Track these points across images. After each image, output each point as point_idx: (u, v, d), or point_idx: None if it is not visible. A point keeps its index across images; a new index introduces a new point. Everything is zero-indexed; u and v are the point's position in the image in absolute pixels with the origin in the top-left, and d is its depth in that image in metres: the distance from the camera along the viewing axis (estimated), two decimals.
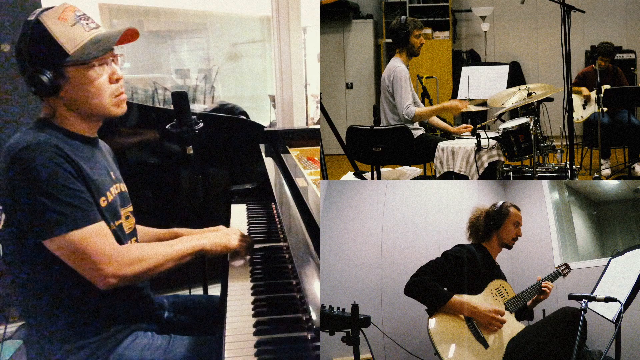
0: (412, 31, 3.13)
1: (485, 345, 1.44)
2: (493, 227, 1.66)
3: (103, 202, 1.43)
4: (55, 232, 1.29)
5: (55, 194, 1.29)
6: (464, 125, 3.31)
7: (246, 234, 1.91)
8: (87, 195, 1.36)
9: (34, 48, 1.35)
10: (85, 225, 1.32)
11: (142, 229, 1.79)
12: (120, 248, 1.39)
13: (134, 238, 1.61)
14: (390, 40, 5.38)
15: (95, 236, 1.33)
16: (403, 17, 3.16)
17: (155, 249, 1.46)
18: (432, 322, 1.46)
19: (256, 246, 1.84)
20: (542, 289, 1.58)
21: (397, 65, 3.12)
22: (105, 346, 1.45)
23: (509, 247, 1.69)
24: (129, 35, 1.47)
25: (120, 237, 1.49)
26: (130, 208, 1.62)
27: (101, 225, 1.36)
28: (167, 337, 1.53)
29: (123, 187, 1.61)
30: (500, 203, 1.69)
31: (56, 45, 1.35)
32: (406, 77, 3.09)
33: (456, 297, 1.47)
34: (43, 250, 1.33)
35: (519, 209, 1.69)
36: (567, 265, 1.68)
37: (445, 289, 1.49)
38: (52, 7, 1.39)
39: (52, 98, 1.41)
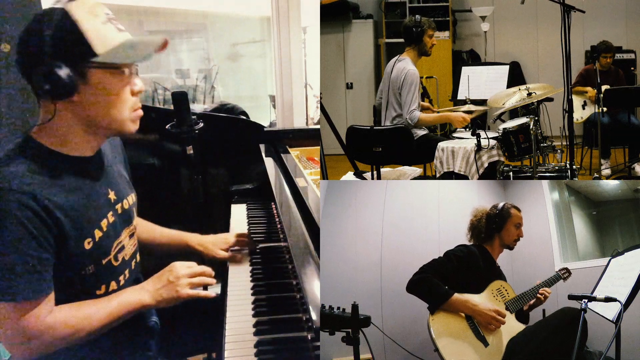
0: (427, 30, 3.14)
1: (485, 344, 1.45)
2: (495, 229, 1.66)
3: (88, 245, 1.26)
4: None
5: (7, 254, 1.12)
6: (461, 115, 3.10)
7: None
8: (45, 261, 1.17)
9: (57, 41, 1.15)
10: (25, 299, 1.15)
11: (150, 229, 1.73)
12: (51, 324, 1.20)
13: (128, 269, 1.42)
14: (390, 40, 5.45)
15: (31, 310, 1.16)
16: (417, 15, 3.17)
17: (89, 317, 1.26)
18: (433, 319, 1.46)
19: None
20: (539, 295, 1.58)
21: (408, 67, 3.11)
22: None
23: (511, 248, 1.69)
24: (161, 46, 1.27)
25: (100, 278, 1.32)
26: (133, 227, 1.47)
27: (43, 301, 1.18)
28: None
29: (127, 202, 1.44)
30: (500, 205, 1.69)
31: (84, 42, 1.16)
32: (417, 82, 3.09)
33: (457, 295, 1.48)
34: None
35: (519, 210, 1.70)
36: (567, 270, 1.68)
37: (447, 287, 1.50)
38: None
39: (62, 102, 1.19)
